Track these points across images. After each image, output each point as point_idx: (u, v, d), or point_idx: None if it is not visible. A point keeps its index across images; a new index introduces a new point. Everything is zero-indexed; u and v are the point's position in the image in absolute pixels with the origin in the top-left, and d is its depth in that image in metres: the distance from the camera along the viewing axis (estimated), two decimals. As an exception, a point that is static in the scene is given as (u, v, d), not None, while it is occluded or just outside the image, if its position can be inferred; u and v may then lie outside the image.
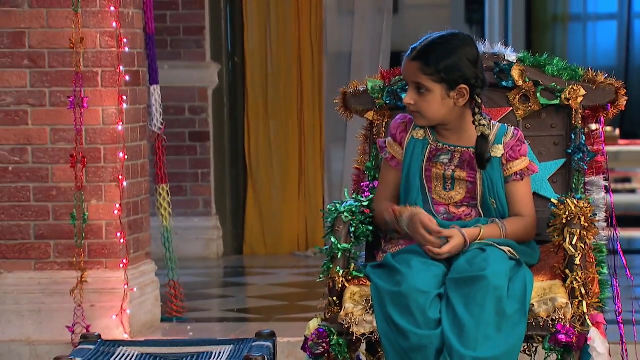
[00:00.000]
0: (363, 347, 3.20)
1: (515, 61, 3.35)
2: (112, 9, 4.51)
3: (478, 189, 3.14)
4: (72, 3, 4.50)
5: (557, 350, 3.02)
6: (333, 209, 3.16)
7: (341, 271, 3.09)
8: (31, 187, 4.60)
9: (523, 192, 3.17)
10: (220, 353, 3.26)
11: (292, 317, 5.07)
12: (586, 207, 3.06)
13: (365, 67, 6.84)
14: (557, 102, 3.35)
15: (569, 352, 3.02)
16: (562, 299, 3.02)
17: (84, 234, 4.54)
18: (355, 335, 3.07)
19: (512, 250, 3.07)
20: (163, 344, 3.36)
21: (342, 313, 3.07)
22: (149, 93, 4.97)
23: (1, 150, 4.60)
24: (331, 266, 3.10)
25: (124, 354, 3.27)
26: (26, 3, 4.56)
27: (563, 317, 3.01)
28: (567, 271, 3.04)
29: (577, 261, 3.03)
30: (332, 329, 3.08)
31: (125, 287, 4.54)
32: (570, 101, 3.33)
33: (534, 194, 3.27)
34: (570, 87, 3.33)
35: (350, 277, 3.11)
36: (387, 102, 3.38)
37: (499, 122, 3.26)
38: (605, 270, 3.19)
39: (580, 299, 3.03)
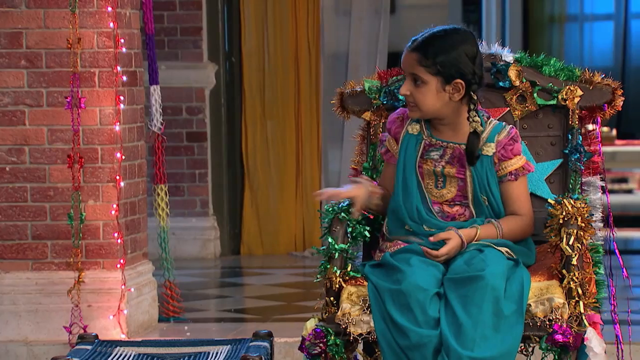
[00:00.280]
0: (360, 347, 3.20)
1: (512, 61, 3.36)
2: (109, 9, 4.51)
3: (468, 186, 3.13)
4: (69, 3, 4.50)
5: (554, 351, 3.03)
6: (330, 209, 3.16)
7: (338, 271, 3.10)
8: (28, 188, 4.60)
9: (518, 191, 3.17)
10: (217, 353, 3.27)
11: (289, 317, 5.07)
12: (583, 208, 3.07)
13: (362, 68, 6.85)
14: (554, 102, 3.35)
15: (566, 352, 3.02)
16: (559, 299, 3.03)
17: (81, 234, 4.54)
18: (352, 335, 3.07)
19: (509, 251, 3.07)
20: (160, 344, 3.36)
21: (339, 313, 3.08)
22: (148, 93, 4.98)
23: (-2, 151, 4.60)
24: (328, 266, 3.10)
25: (121, 354, 3.28)
26: (23, 3, 4.56)
27: (560, 317, 3.01)
28: (564, 271, 3.05)
29: (574, 261, 3.04)
30: (329, 329, 3.08)
31: (123, 287, 4.54)
32: (567, 101, 3.33)
33: (531, 194, 3.27)
34: (567, 87, 3.33)
35: (347, 278, 3.11)
36: (384, 102, 3.38)
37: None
38: (601, 271, 3.19)
39: (577, 299, 3.04)
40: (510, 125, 3.21)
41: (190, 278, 6.06)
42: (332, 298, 3.10)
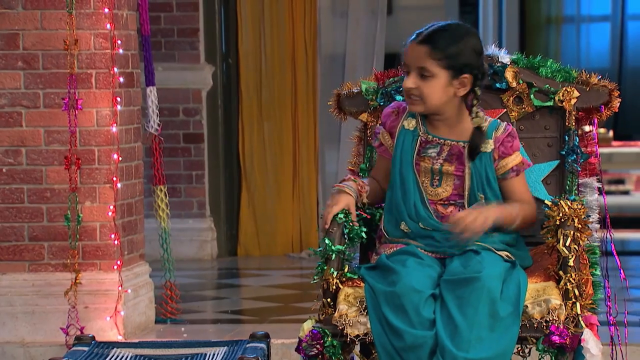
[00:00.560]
0: (357, 348, 3.21)
1: (509, 63, 3.36)
2: (106, 10, 4.51)
3: (466, 183, 3.13)
4: (66, 5, 4.50)
5: (550, 352, 3.03)
6: (327, 210, 3.16)
7: (335, 273, 3.10)
8: (25, 189, 4.59)
9: (520, 185, 3.18)
10: (214, 354, 3.27)
11: (286, 319, 5.07)
12: (580, 209, 3.07)
13: (359, 69, 6.85)
14: (550, 103, 3.35)
15: (563, 354, 3.02)
16: (556, 300, 3.03)
17: (78, 236, 4.54)
18: (349, 336, 3.07)
19: (509, 255, 3.07)
20: (157, 345, 3.36)
21: (336, 314, 3.08)
22: (145, 95, 4.98)
23: (-5, 152, 4.60)
24: (325, 268, 3.10)
25: (117, 356, 3.27)
26: (20, 5, 4.56)
27: (557, 319, 3.02)
28: (561, 272, 3.05)
29: (571, 262, 3.04)
30: (326, 331, 3.08)
31: (119, 288, 4.54)
32: (563, 103, 3.34)
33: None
34: (564, 88, 3.33)
35: (344, 279, 3.11)
36: (381, 103, 3.38)
37: (492, 121, 3.27)
38: (598, 272, 3.20)
39: (573, 300, 3.04)
40: (505, 122, 3.21)
41: (187, 279, 6.06)
42: (329, 299, 3.10)
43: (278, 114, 6.95)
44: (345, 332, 3.07)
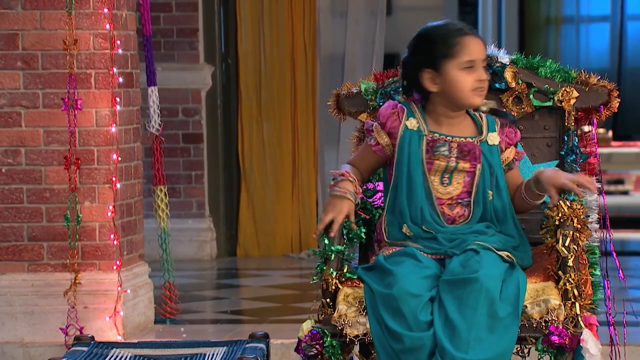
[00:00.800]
0: (356, 348, 3.21)
1: (508, 63, 3.36)
2: (106, 10, 4.51)
3: (476, 179, 3.13)
4: (65, 5, 4.50)
5: (550, 352, 3.03)
6: (327, 210, 3.16)
7: (334, 273, 3.10)
8: (24, 189, 4.59)
9: (519, 173, 3.24)
10: (213, 355, 3.27)
11: (286, 319, 5.07)
12: (579, 209, 3.07)
13: (358, 69, 6.85)
14: (550, 103, 3.36)
15: (562, 354, 3.02)
16: (555, 300, 3.03)
17: (77, 236, 4.54)
18: (348, 336, 3.07)
19: (510, 255, 3.07)
20: (156, 345, 3.36)
21: (335, 315, 3.08)
22: (145, 94, 4.98)
23: (-6, 152, 4.60)
24: (324, 268, 3.10)
25: (117, 356, 3.28)
26: (19, 5, 4.56)
27: (556, 319, 3.01)
28: (560, 273, 3.05)
29: (570, 263, 3.04)
30: (326, 331, 3.08)
31: (119, 288, 4.54)
32: (563, 103, 3.34)
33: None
34: (563, 89, 3.33)
35: (343, 279, 3.11)
36: (380, 104, 3.38)
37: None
38: (597, 272, 3.20)
39: (573, 300, 3.04)
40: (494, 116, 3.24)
41: (186, 279, 6.06)
42: (328, 299, 3.10)
43: (277, 114, 6.95)
44: (344, 332, 3.07)
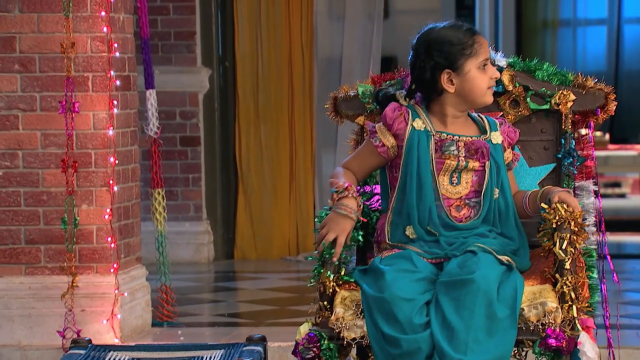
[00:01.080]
0: (354, 351, 3.21)
1: (505, 66, 3.36)
2: (103, 13, 4.51)
3: (486, 178, 3.13)
4: (63, 8, 4.50)
5: (547, 355, 3.03)
6: (324, 214, 3.16)
7: (332, 276, 3.10)
8: (22, 192, 4.59)
9: (514, 174, 3.26)
10: (210, 357, 3.27)
11: (283, 322, 5.07)
12: (576, 212, 3.07)
13: (355, 72, 6.86)
14: (547, 107, 3.36)
15: (559, 357, 3.02)
16: (552, 303, 3.03)
17: (74, 239, 4.54)
18: (345, 339, 3.07)
19: (509, 259, 3.07)
20: (153, 348, 3.36)
21: (332, 317, 3.08)
22: (143, 97, 4.98)
23: (-8, 155, 4.60)
24: (322, 271, 3.10)
25: (114, 359, 3.27)
26: (17, 8, 4.56)
27: (553, 322, 3.02)
28: (557, 275, 3.05)
29: (567, 265, 3.04)
30: (323, 334, 3.08)
31: (116, 291, 4.54)
32: (560, 106, 3.34)
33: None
34: (560, 92, 3.34)
35: (340, 282, 3.12)
36: (378, 107, 3.38)
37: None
38: (595, 275, 3.20)
39: (570, 303, 3.04)
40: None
41: (183, 282, 6.06)
42: (325, 302, 3.10)
43: (275, 117, 6.95)
44: (341, 335, 3.07)
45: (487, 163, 3.13)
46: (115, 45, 4.56)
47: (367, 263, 3.22)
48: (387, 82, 3.40)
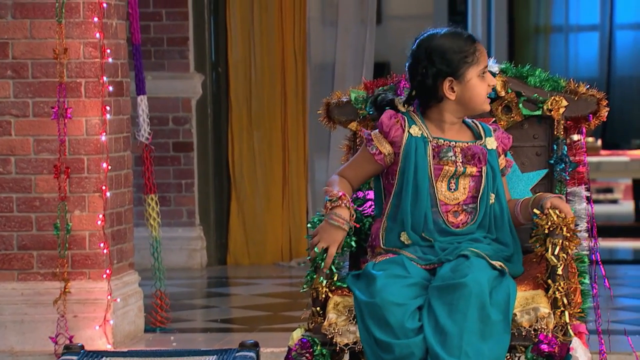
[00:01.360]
0: (346, 357, 3.21)
1: (497, 72, 3.37)
2: (96, 19, 4.52)
3: (482, 183, 3.13)
4: (55, 14, 4.50)
5: (539, 360, 3.03)
6: (317, 220, 3.16)
7: (325, 281, 3.10)
8: (14, 198, 4.59)
9: (506, 181, 3.28)
10: (203, 363, 3.27)
11: (276, 328, 5.07)
12: (568, 218, 3.08)
13: (348, 78, 6.87)
14: (539, 112, 3.37)
15: (552, 362, 3.03)
16: (545, 308, 3.04)
17: (67, 245, 4.53)
18: (338, 345, 3.07)
19: (502, 265, 3.07)
20: (146, 354, 3.36)
21: (325, 323, 3.08)
22: (135, 103, 4.98)
23: (-16, 161, 4.60)
24: (315, 276, 3.11)
25: (107, 365, 3.27)
26: (9, 13, 4.56)
27: (545, 327, 3.02)
28: (550, 281, 3.06)
29: (559, 271, 3.05)
30: (316, 339, 3.08)
31: (109, 297, 4.54)
32: (552, 112, 3.35)
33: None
34: (552, 98, 3.35)
35: (333, 288, 3.12)
36: (370, 112, 3.39)
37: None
38: (587, 281, 3.20)
39: (562, 308, 3.05)
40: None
41: (176, 288, 6.06)
42: (318, 308, 3.10)
43: (267, 123, 6.96)
44: (334, 340, 3.07)
45: (484, 168, 3.14)
46: (108, 51, 4.56)
47: (360, 268, 3.23)
48: (380, 88, 3.40)
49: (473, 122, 3.23)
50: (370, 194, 3.33)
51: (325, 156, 6.94)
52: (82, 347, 3.38)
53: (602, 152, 9.10)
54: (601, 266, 3.40)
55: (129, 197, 4.81)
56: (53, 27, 4.53)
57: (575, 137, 3.39)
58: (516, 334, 3.03)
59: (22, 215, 4.59)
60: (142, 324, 4.88)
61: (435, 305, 2.97)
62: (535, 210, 3.10)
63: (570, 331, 3.04)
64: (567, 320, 3.04)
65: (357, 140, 3.42)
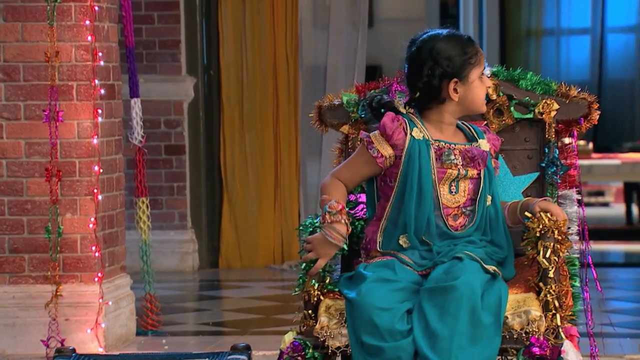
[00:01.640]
0: (338, 360, 3.21)
1: (489, 75, 3.37)
2: (87, 22, 4.51)
3: (481, 185, 3.13)
4: (47, 17, 4.50)
5: (530, 363, 3.04)
6: (308, 223, 3.16)
7: (316, 285, 3.10)
8: (6, 201, 4.58)
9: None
10: (195, 366, 3.27)
11: (268, 331, 5.07)
12: (559, 221, 3.08)
13: (340, 81, 6.87)
14: (530, 116, 3.37)
15: (543, 365, 3.03)
16: (536, 311, 3.04)
17: (58, 248, 4.53)
18: (330, 348, 3.07)
19: (496, 269, 3.07)
20: (138, 357, 3.36)
21: (317, 326, 3.08)
22: (128, 106, 4.98)
23: (-25, 164, 4.59)
24: (306, 279, 3.11)
25: (99, 368, 3.27)
26: (1, 17, 4.55)
27: (537, 330, 3.03)
28: (541, 284, 3.06)
29: (551, 274, 3.05)
30: (308, 343, 3.08)
31: (100, 300, 4.53)
32: (543, 115, 3.36)
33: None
34: (544, 101, 3.35)
35: (325, 291, 3.12)
36: (362, 115, 3.39)
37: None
38: (578, 283, 3.21)
39: (553, 311, 3.05)
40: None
41: (168, 291, 6.05)
42: (310, 311, 3.10)
43: (259, 126, 6.96)
44: (326, 343, 3.07)
45: (483, 170, 3.15)
46: (100, 54, 4.56)
47: (353, 269, 3.23)
48: (372, 91, 3.40)
49: (464, 124, 3.23)
50: (362, 197, 3.32)
51: (317, 159, 6.94)
52: (73, 350, 3.37)
53: (594, 155, 9.13)
54: (592, 269, 3.41)
55: (120, 200, 4.81)
56: (45, 30, 4.52)
57: (567, 140, 3.40)
58: (507, 336, 3.03)
59: (14, 219, 4.58)
60: (134, 327, 4.88)
61: (426, 308, 2.97)
62: (526, 214, 3.10)
63: (562, 334, 3.05)
64: (559, 323, 3.04)
65: (349, 143, 3.42)
